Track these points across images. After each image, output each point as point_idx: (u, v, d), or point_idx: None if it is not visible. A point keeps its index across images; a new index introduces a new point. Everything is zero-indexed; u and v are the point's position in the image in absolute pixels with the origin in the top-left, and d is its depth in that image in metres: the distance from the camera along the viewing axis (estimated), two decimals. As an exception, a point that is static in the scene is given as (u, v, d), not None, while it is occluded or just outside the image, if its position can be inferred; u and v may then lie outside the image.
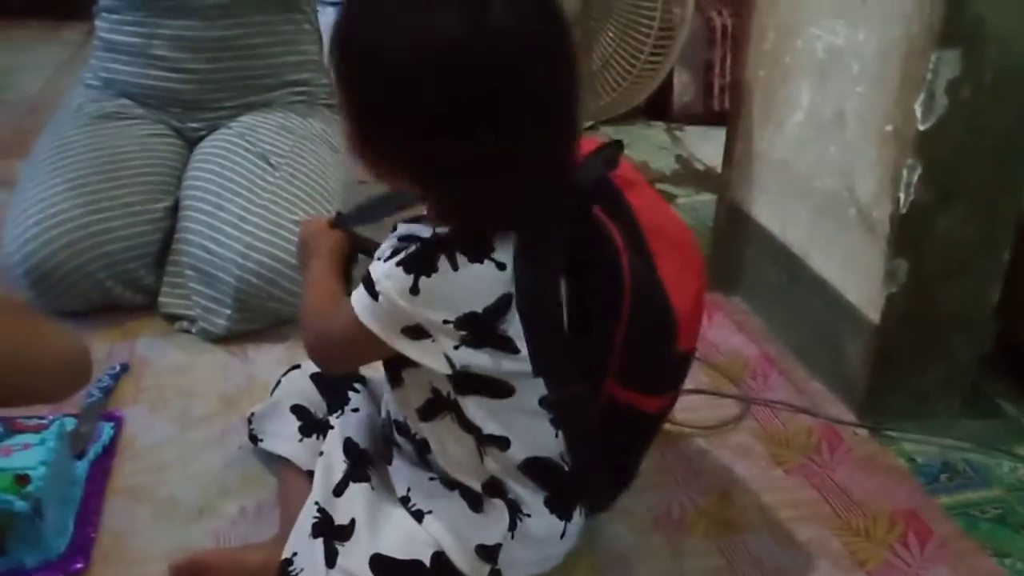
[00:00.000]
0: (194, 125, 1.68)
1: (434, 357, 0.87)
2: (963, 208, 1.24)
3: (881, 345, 1.31)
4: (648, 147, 2.39)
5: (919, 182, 1.22)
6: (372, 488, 0.98)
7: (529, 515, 0.95)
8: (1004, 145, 1.22)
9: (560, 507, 0.97)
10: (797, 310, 1.50)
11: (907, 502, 1.21)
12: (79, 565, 1.06)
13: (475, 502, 0.95)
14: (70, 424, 1.22)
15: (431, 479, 0.98)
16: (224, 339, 1.50)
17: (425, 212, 0.92)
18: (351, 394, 1.09)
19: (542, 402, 0.93)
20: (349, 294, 0.90)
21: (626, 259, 0.90)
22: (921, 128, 1.19)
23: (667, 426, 1.32)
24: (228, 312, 1.49)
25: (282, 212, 1.50)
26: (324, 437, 1.06)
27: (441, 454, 0.96)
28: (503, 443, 0.93)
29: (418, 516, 0.95)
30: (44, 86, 2.81)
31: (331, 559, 0.93)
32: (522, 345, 0.88)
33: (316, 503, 0.97)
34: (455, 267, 0.84)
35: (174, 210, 1.58)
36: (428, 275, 0.84)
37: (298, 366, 1.18)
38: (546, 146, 0.84)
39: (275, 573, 0.95)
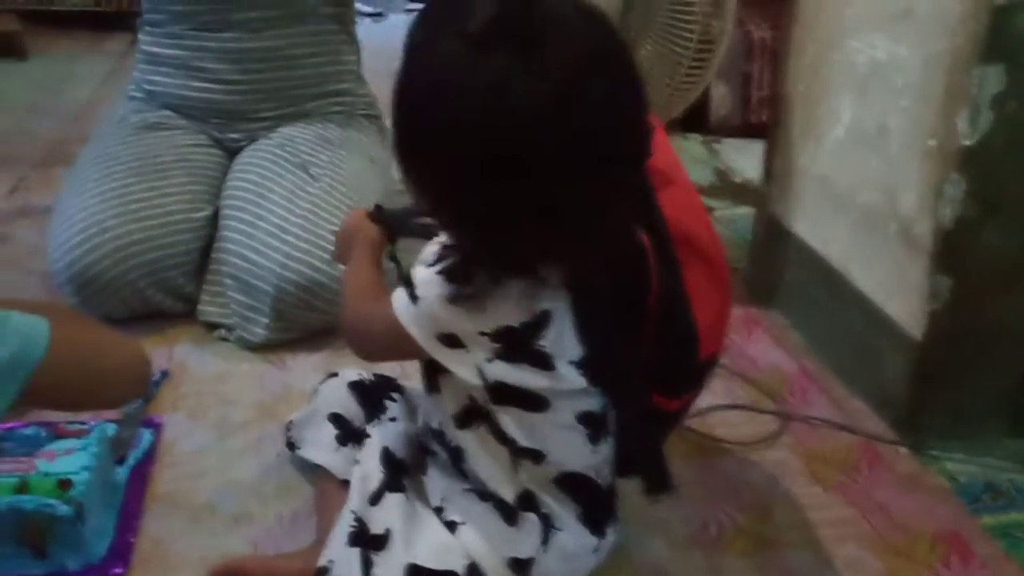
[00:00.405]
0: (234, 136, 1.70)
1: (467, 368, 0.87)
2: (1007, 223, 1.22)
3: (923, 362, 1.30)
4: (685, 159, 2.34)
5: (963, 197, 1.20)
6: (407, 498, 0.98)
7: (561, 529, 0.95)
8: (1050, 160, 1.21)
9: (593, 522, 0.97)
10: (837, 325, 1.49)
11: (949, 522, 1.19)
12: (119, 570, 1.07)
13: (508, 515, 0.95)
14: (111, 430, 1.23)
15: (465, 490, 0.97)
16: (261, 347, 1.51)
17: None
18: (388, 403, 1.10)
19: (580, 418, 0.92)
20: (401, 275, 0.90)
21: (655, 275, 0.90)
22: (965, 143, 1.18)
23: (706, 440, 1.32)
24: (266, 321, 1.50)
25: (321, 223, 1.51)
26: (361, 446, 1.06)
27: (475, 463, 0.96)
28: (537, 456, 0.92)
29: (451, 527, 0.95)
30: (89, 96, 2.86)
31: (367, 568, 0.93)
32: (559, 363, 0.88)
33: (352, 512, 0.97)
34: (495, 280, 0.84)
35: (214, 219, 1.60)
36: (467, 286, 0.84)
37: (336, 374, 1.18)
38: (612, 188, 0.81)
39: (311, 581, 0.96)
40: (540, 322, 0.86)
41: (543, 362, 0.87)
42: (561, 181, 0.77)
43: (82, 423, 1.20)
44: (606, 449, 0.96)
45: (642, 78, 0.81)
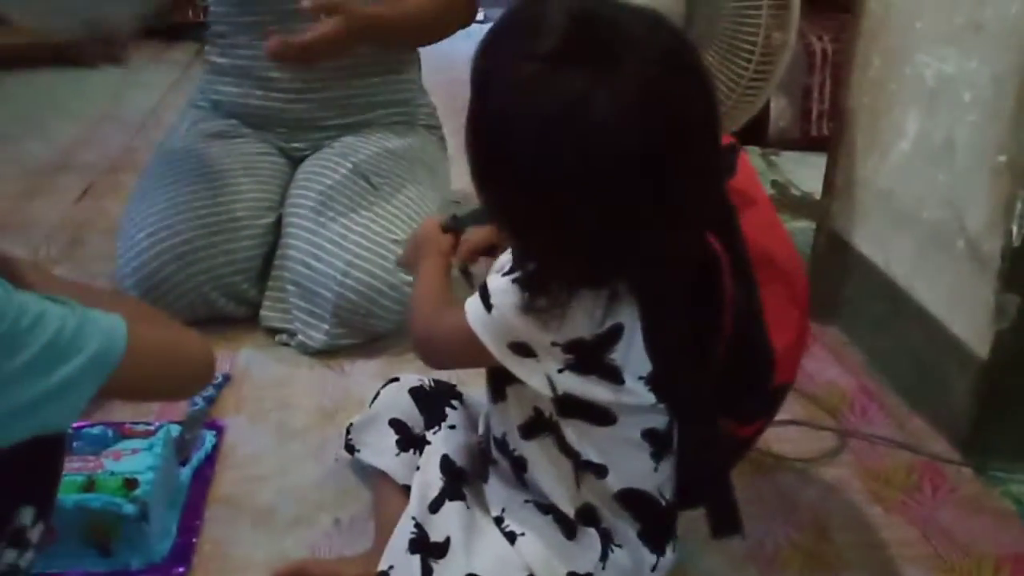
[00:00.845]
0: (298, 145, 1.73)
1: (537, 377, 0.87)
2: (1079, 242, 1.20)
3: (989, 381, 1.27)
4: (743, 173, 2.36)
5: (1033, 214, 1.18)
6: (467, 507, 0.98)
7: (620, 546, 0.94)
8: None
9: (653, 541, 0.96)
10: (899, 343, 1.47)
11: (1013, 546, 1.16)
12: (181, 569, 1.09)
13: (568, 528, 0.95)
14: (175, 431, 1.26)
15: (526, 501, 0.97)
16: (321, 353, 1.53)
17: None
18: (448, 411, 1.10)
19: (645, 435, 0.92)
20: (472, 285, 0.91)
21: (730, 296, 0.89)
22: (1037, 159, 1.16)
23: (762, 456, 1.30)
24: (326, 327, 1.52)
25: (382, 231, 1.53)
26: (420, 452, 1.06)
27: (538, 474, 0.96)
28: (600, 471, 0.92)
29: (511, 538, 0.95)
30: (154, 105, 2.92)
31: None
32: (629, 377, 0.87)
33: (413, 519, 0.97)
34: (569, 292, 0.84)
35: (277, 226, 1.63)
36: (541, 297, 0.84)
37: (396, 379, 1.19)
38: (692, 199, 0.81)
39: (371, 586, 0.97)
40: (611, 335, 0.86)
41: (612, 375, 0.87)
42: (642, 193, 0.78)
43: (147, 424, 1.23)
44: (668, 468, 0.96)
45: (713, 82, 0.81)
